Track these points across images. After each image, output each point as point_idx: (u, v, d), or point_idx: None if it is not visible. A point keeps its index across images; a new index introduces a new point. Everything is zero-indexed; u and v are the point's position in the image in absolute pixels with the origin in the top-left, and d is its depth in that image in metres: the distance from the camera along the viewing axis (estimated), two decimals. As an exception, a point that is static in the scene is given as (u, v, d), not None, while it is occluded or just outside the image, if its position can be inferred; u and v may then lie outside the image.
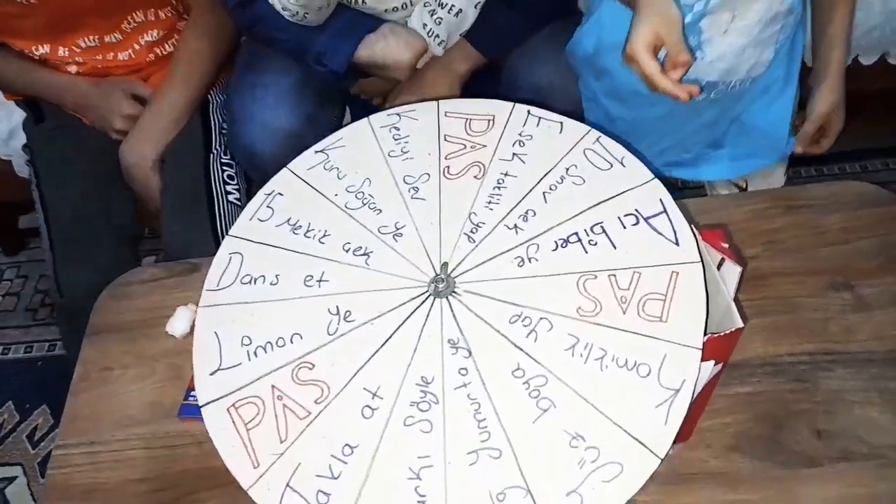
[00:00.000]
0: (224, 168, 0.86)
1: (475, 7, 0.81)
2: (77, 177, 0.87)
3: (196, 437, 0.62)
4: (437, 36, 0.82)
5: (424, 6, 0.81)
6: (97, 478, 0.61)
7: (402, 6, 0.81)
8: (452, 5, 0.80)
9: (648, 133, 0.80)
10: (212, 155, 0.87)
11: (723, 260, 0.47)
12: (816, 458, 0.56)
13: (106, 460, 0.62)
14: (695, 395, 0.45)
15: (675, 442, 0.46)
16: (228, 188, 0.85)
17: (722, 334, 0.44)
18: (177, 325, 0.69)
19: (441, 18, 0.81)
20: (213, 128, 0.89)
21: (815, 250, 0.70)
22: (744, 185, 0.92)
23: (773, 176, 0.90)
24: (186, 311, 0.69)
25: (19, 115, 0.98)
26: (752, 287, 0.67)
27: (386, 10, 0.81)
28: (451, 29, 0.82)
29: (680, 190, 1.01)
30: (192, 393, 0.64)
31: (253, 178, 0.90)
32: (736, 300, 0.45)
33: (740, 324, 0.45)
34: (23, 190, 1.07)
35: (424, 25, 0.81)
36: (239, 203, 0.86)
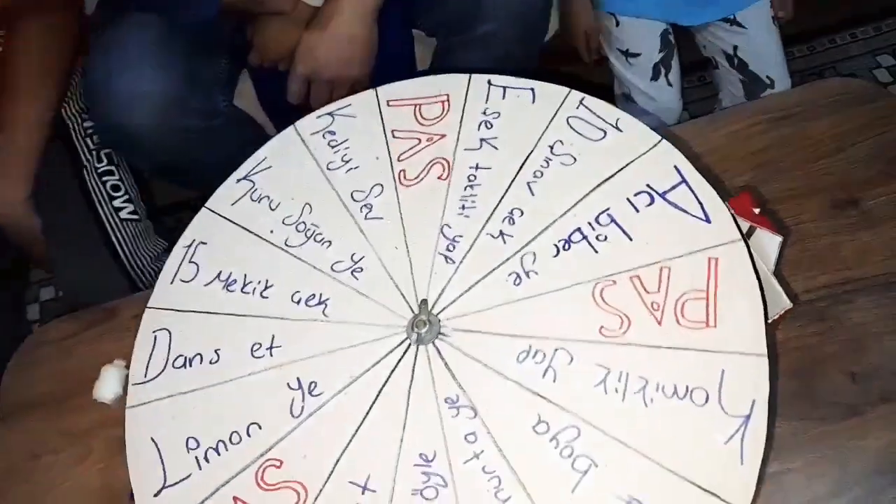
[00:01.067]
0: (103, 179, 0.72)
1: None
2: None
3: None
4: None
5: None
6: None
7: None
8: None
9: None
10: (84, 169, 0.73)
11: (753, 230, 0.38)
12: (857, 406, 0.48)
13: None
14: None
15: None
16: (116, 203, 0.71)
17: (770, 320, 0.35)
18: (104, 389, 0.56)
19: None
20: (73, 134, 0.75)
21: (808, 165, 0.61)
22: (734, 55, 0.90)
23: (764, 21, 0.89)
24: (114, 369, 0.57)
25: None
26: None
27: None
28: None
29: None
30: None
31: (139, 167, 0.76)
32: (778, 275, 0.36)
33: (789, 304, 0.36)
34: None
35: None
36: (136, 217, 0.72)
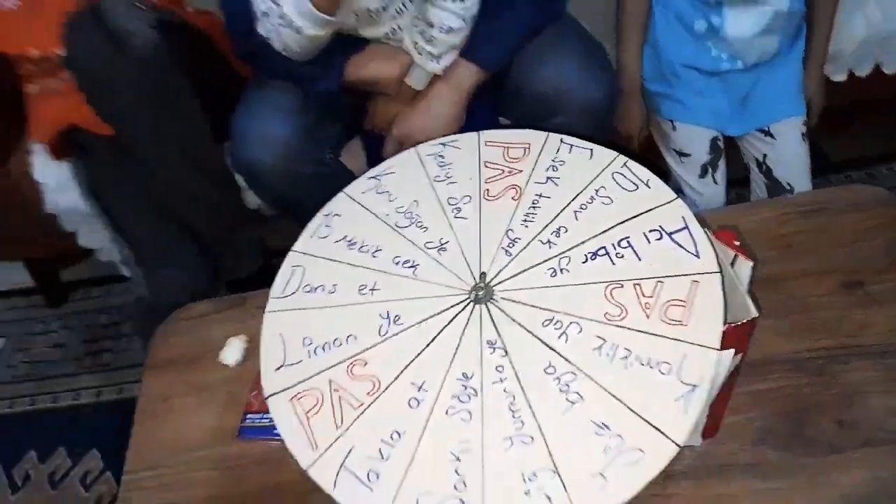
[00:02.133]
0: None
1: (464, 21, 0.86)
2: (140, 196, 0.97)
3: (256, 456, 0.68)
4: (430, 53, 0.88)
5: (414, 27, 0.88)
6: (165, 498, 0.67)
7: (392, 32, 0.89)
8: (442, 24, 0.86)
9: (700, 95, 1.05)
10: None
11: (736, 257, 0.53)
12: (840, 446, 0.60)
13: (173, 482, 0.69)
14: (719, 387, 0.50)
15: (703, 437, 0.51)
16: None
17: (739, 324, 0.50)
18: (228, 354, 0.76)
19: (433, 37, 0.87)
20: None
21: (827, 251, 0.75)
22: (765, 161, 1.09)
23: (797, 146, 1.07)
24: (238, 341, 0.77)
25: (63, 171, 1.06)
26: (769, 289, 0.72)
27: (379, 40, 0.90)
28: (443, 46, 0.88)
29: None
30: (249, 416, 0.71)
31: (259, 196, 0.97)
32: (750, 293, 0.51)
33: (755, 313, 0.51)
34: (66, 244, 1.17)
35: (415, 43, 0.88)
36: None
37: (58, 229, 1.13)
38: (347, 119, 0.99)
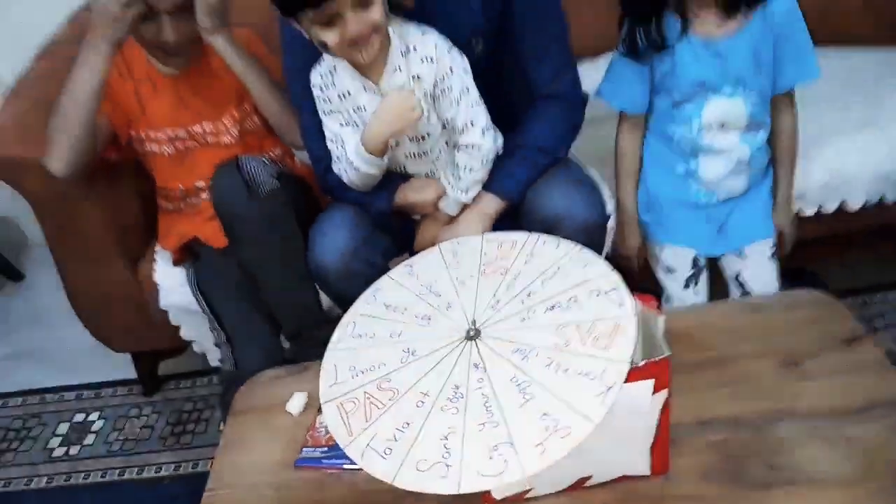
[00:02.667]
0: None
1: (482, 163, 1.15)
2: (233, 288, 1.28)
3: (309, 480, 0.91)
4: (459, 187, 1.18)
5: (447, 166, 1.19)
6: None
7: (431, 172, 1.20)
8: (465, 165, 1.15)
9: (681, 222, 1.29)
10: None
11: (653, 314, 0.76)
12: (768, 484, 0.78)
13: (242, 498, 0.91)
14: (655, 426, 0.72)
15: (656, 473, 0.72)
16: None
17: (657, 360, 0.72)
18: (293, 405, 1.02)
19: (459, 175, 1.17)
20: None
21: (770, 338, 0.95)
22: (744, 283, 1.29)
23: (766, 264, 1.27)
24: (301, 395, 1.03)
25: (177, 275, 1.38)
26: (719, 366, 0.92)
27: (422, 175, 1.21)
28: (467, 182, 1.17)
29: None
30: (305, 449, 0.95)
31: (325, 293, 1.24)
32: (665, 337, 0.74)
33: (667, 353, 0.73)
34: (170, 339, 1.46)
35: (447, 179, 1.19)
36: None
37: (167, 323, 1.44)
38: (398, 234, 1.29)
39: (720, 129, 1.17)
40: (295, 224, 1.21)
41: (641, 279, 1.30)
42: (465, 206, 1.21)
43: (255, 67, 1.23)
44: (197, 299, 1.33)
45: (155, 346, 1.58)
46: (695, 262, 1.30)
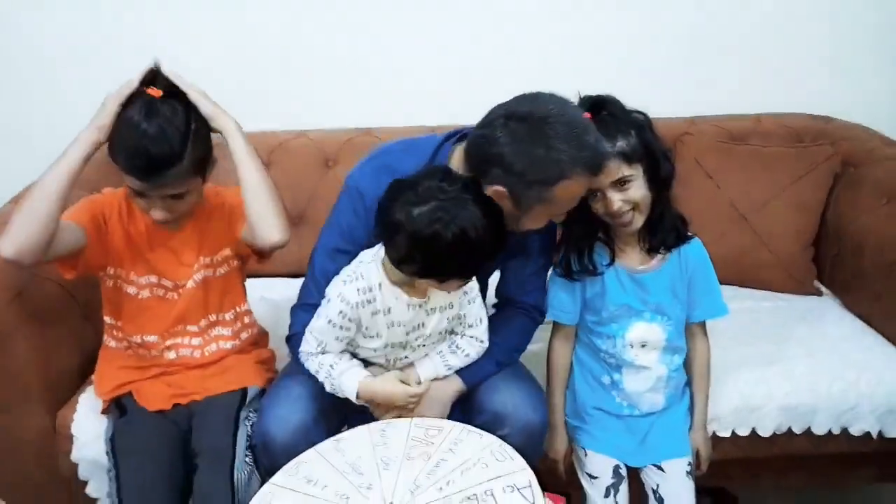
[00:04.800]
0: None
1: (479, 353, 1.22)
2: (148, 457, 1.22)
3: None
4: (447, 364, 1.20)
5: (441, 345, 1.21)
6: None
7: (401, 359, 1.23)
8: (465, 351, 1.19)
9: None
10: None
11: None
12: None
13: None
14: None
15: None
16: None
17: None
18: None
19: (454, 354, 1.19)
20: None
21: None
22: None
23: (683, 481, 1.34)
24: None
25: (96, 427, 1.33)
26: None
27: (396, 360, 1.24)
28: (458, 364, 1.20)
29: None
30: None
31: (264, 467, 1.19)
32: None
33: None
34: (71, 502, 1.38)
35: (440, 353, 1.20)
36: None
37: (73, 479, 1.39)
38: (344, 416, 1.27)
39: (641, 348, 1.31)
40: None
41: (568, 482, 1.35)
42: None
43: (257, 155, 1.28)
44: (107, 454, 1.28)
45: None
46: (616, 470, 1.36)
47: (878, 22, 1.96)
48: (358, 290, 1.10)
